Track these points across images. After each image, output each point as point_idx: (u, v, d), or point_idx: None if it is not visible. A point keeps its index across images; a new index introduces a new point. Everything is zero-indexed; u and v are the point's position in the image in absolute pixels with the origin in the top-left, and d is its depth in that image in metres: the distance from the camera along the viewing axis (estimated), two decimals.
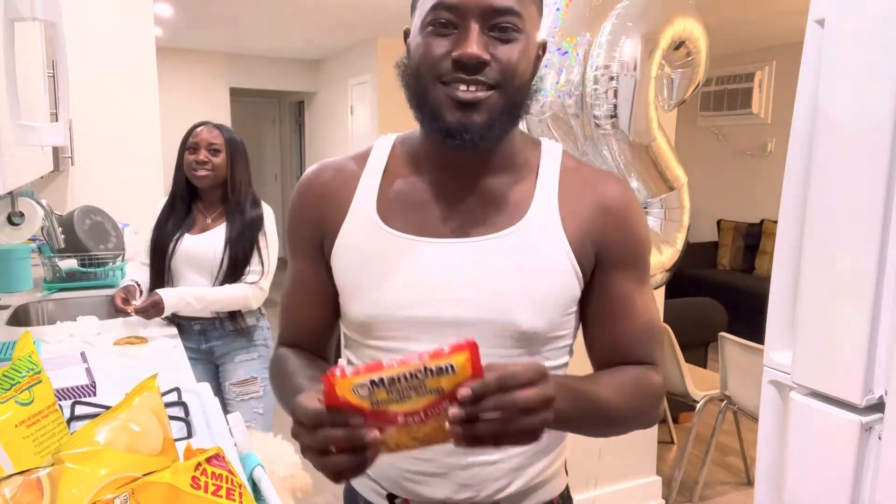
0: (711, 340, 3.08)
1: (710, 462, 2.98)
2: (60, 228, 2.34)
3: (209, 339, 2.19)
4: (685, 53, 1.86)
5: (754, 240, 5.43)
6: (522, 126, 2.01)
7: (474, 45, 0.76)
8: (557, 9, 1.88)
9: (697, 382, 2.94)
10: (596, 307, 0.87)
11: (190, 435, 1.21)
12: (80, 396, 1.41)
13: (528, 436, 0.64)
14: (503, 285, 0.82)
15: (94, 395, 1.43)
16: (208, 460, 0.72)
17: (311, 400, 0.64)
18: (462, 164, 0.85)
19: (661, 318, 0.94)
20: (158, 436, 0.82)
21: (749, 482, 3.02)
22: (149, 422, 0.82)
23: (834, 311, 1.07)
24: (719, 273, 5.55)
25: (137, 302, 2.09)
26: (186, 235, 2.16)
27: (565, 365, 0.91)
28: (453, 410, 0.61)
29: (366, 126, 6.00)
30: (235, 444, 1.18)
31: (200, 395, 1.41)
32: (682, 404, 3.22)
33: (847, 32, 1.04)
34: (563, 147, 0.92)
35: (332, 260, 0.89)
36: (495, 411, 0.61)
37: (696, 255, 5.29)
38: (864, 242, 1.02)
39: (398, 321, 0.84)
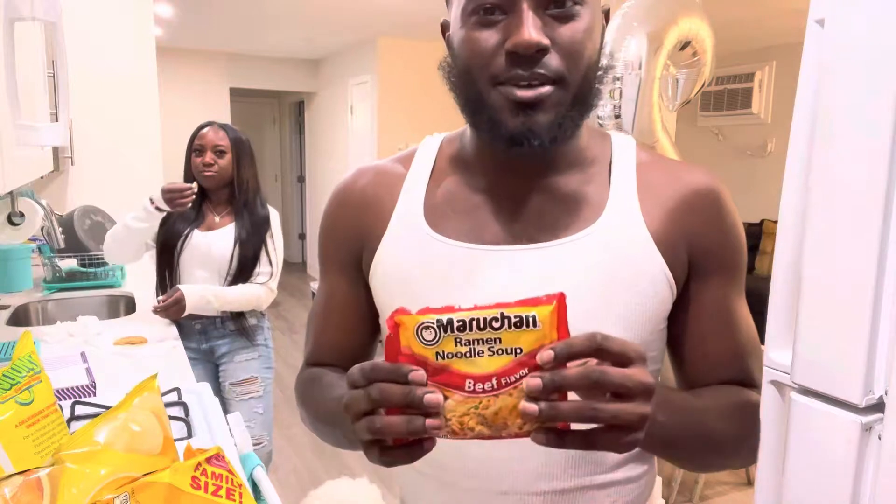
0: None
1: None
2: (60, 228, 2.34)
3: (209, 338, 2.20)
4: (691, 53, 1.86)
5: (754, 240, 5.43)
6: None
7: (531, 30, 0.63)
8: None
9: None
10: (689, 320, 0.74)
11: (190, 435, 1.21)
12: (80, 396, 1.41)
13: (622, 431, 0.51)
14: (579, 298, 0.66)
15: (94, 395, 1.43)
16: (208, 460, 0.72)
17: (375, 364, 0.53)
18: (522, 163, 0.73)
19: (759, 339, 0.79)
20: (158, 436, 0.82)
21: (749, 482, 3.02)
22: (149, 422, 0.82)
23: (834, 311, 1.07)
24: None
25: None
26: (196, 232, 2.16)
27: None
28: (530, 380, 0.49)
29: (366, 126, 6.00)
30: (235, 444, 1.18)
31: (200, 395, 1.41)
32: None
33: (847, 32, 1.04)
34: (636, 140, 0.81)
35: (372, 275, 0.78)
36: (583, 386, 0.49)
37: None
38: (864, 242, 1.02)
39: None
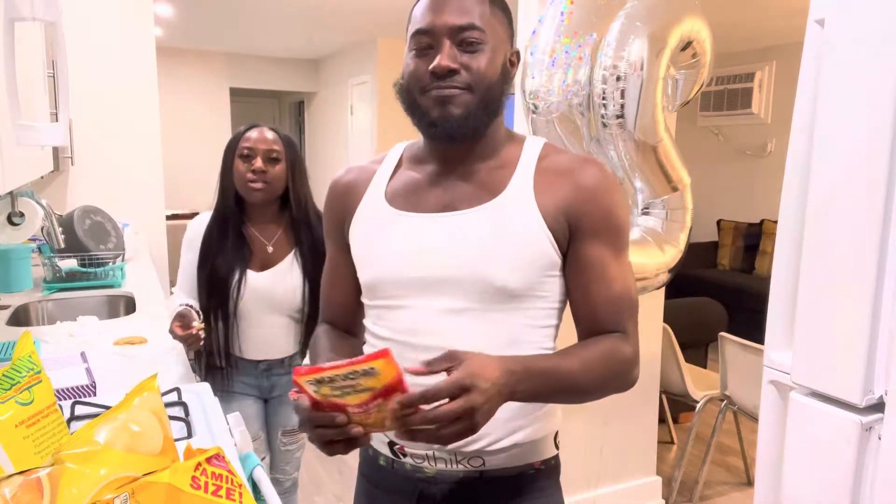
0: (711, 340, 3.08)
1: (710, 462, 2.98)
2: (60, 228, 2.34)
3: (272, 374, 1.90)
4: (691, 54, 1.86)
5: (754, 240, 5.43)
6: (527, 127, 2.01)
7: (445, 58, 0.94)
8: (561, 12, 1.88)
9: (697, 382, 2.94)
10: (573, 272, 1.00)
11: (190, 435, 1.21)
12: (80, 396, 1.41)
13: (459, 436, 0.78)
14: (481, 249, 0.96)
15: (94, 395, 1.43)
16: (208, 460, 0.72)
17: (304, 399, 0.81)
18: (452, 154, 1.03)
19: (636, 295, 1.02)
20: (158, 436, 0.82)
21: (749, 482, 3.02)
22: (149, 422, 0.82)
23: (834, 311, 1.07)
24: (719, 273, 5.55)
25: (197, 323, 1.69)
26: (249, 273, 1.81)
27: (553, 326, 1.03)
28: (392, 406, 0.76)
29: (365, 126, 5.99)
30: (235, 444, 1.18)
31: (200, 395, 1.41)
32: (682, 404, 3.22)
33: (847, 32, 1.04)
34: (546, 141, 1.07)
35: (350, 238, 1.09)
36: (424, 423, 0.76)
37: (696, 255, 5.29)
38: (864, 242, 1.02)
39: (397, 282, 1.00)
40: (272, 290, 1.80)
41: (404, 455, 1.04)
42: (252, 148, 1.77)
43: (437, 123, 0.97)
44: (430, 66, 0.95)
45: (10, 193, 2.10)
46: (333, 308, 1.16)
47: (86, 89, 3.10)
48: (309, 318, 1.85)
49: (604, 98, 1.80)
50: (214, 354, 1.85)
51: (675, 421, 3.52)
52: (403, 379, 0.76)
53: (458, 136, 0.98)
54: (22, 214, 2.16)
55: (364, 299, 1.09)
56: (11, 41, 1.21)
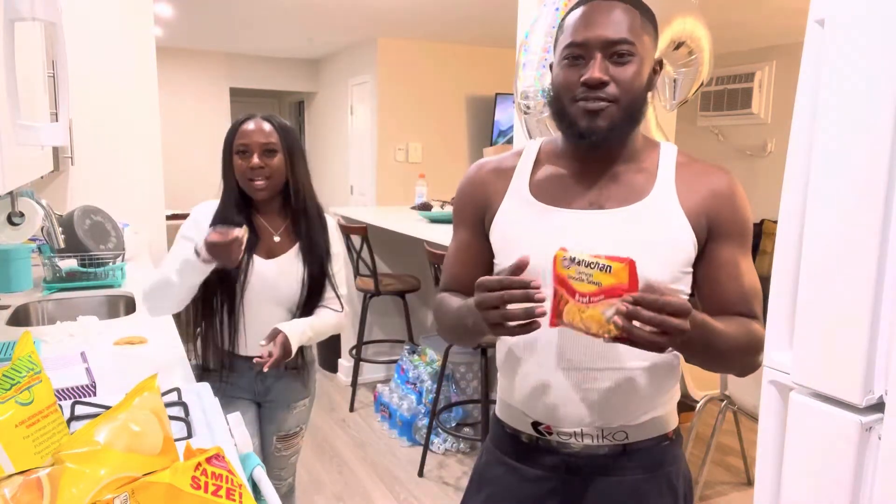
0: None
1: (710, 462, 2.98)
2: (60, 228, 2.34)
3: (266, 377, 1.84)
4: (687, 53, 1.86)
5: (754, 240, 5.43)
6: (521, 127, 2.01)
7: (596, 71, 1.01)
8: (556, 8, 1.88)
9: (697, 382, 2.94)
10: (708, 270, 1.09)
11: (190, 435, 1.21)
12: (80, 396, 1.41)
13: (662, 349, 0.87)
14: (630, 245, 1.02)
15: (94, 395, 1.43)
16: (208, 460, 0.72)
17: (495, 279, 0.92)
18: (594, 158, 1.10)
19: (761, 287, 1.14)
20: (158, 436, 0.82)
21: (749, 482, 3.02)
22: (149, 422, 0.82)
23: (834, 311, 1.07)
24: None
25: (238, 231, 1.56)
26: (256, 259, 1.75)
27: None
28: (620, 306, 0.84)
29: (365, 126, 6.00)
30: (235, 444, 1.18)
31: (200, 395, 1.41)
32: (682, 404, 3.20)
33: (847, 32, 1.04)
34: (678, 148, 1.15)
35: (492, 230, 1.16)
36: (650, 308, 0.84)
37: None
38: (864, 242, 1.02)
39: (544, 271, 1.02)
40: (277, 279, 1.76)
41: (550, 433, 1.12)
42: (247, 143, 1.71)
43: (585, 135, 1.04)
44: (583, 78, 1.01)
45: (10, 193, 2.10)
46: (457, 284, 1.22)
47: (86, 89, 3.10)
48: (303, 311, 1.80)
49: None
50: (212, 350, 1.81)
51: None
52: (637, 288, 0.84)
53: (603, 146, 1.06)
54: (22, 214, 2.16)
55: None
56: (11, 41, 1.21)
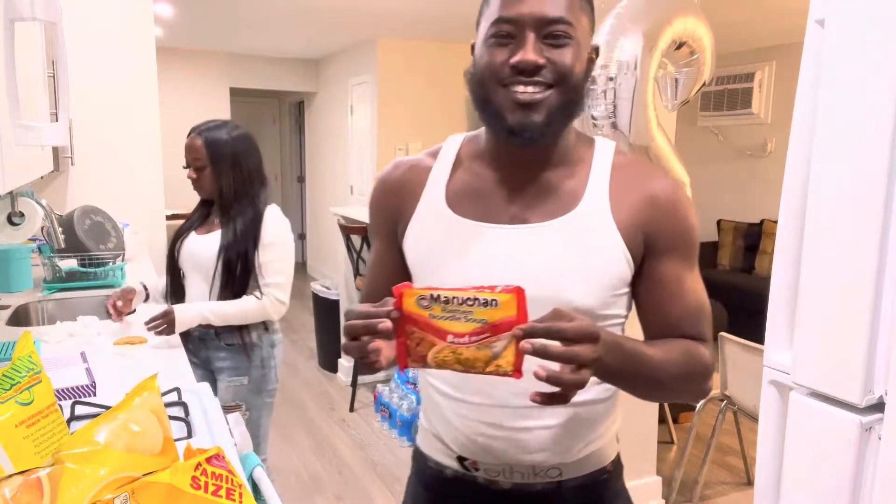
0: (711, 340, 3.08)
1: (710, 462, 2.98)
2: (60, 228, 2.34)
3: (207, 348, 2.09)
4: (688, 52, 1.86)
5: (754, 240, 5.43)
6: None
7: (531, 52, 0.85)
8: None
9: None
10: (648, 290, 0.95)
11: (190, 435, 1.21)
12: (80, 396, 1.41)
13: (576, 388, 0.74)
14: (557, 266, 0.91)
15: (94, 395, 1.43)
16: (208, 460, 0.72)
17: (362, 306, 0.79)
18: (522, 158, 0.95)
19: (709, 305, 1.01)
20: (158, 436, 0.82)
21: (749, 482, 3.02)
22: (149, 422, 0.82)
23: (834, 311, 1.07)
24: (719, 273, 5.55)
25: (135, 304, 2.02)
26: (192, 234, 2.09)
27: None
28: (517, 334, 0.72)
29: (366, 126, 5.99)
30: (235, 444, 1.18)
31: (200, 395, 1.41)
32: (682, 404, 3.22)
33: (847, 32, 1.04)
34: (615, 144, 1.00)
35: (405, 243, 1.01)
36: (547, 335, 0.72)
37: None
38: (864, 242, 1.02)
39: None
40: (198, 250, 2.05)
41: (476, 469, 1.00)
42: (186, 158, 2.04)
43: (516, 131, 0.88)
44: (513, 60, 0.86)
45: (10, 193, 2.10)
46: (375, 299, 1.08)
47: (86, 89, 3.10)
48: (221, 291, 2.01)
49: (594, 98, 1.80)
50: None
51: (675, 421, 3.52)
52: (526, 319, 0.73)
53: (537, 143, 0.91)
54: (22, 214, 2.16)
55: None
56: (11, 41, 1.21)
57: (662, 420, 3.26)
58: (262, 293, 2.02)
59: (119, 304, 2.01)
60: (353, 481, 3.05)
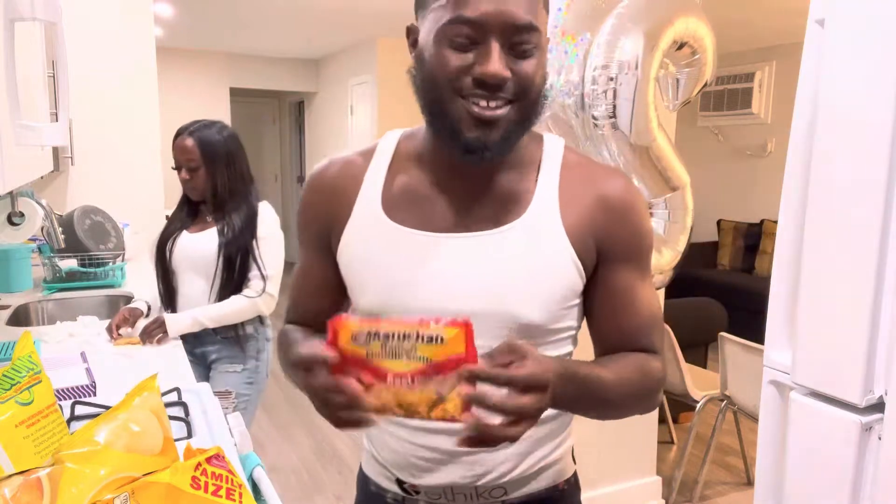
0: (711, 340, 3.08)
1: (710, 462, 2.98)
2: (60, 228, 2.34)
3: (203, 343, 2.12)
4: (690, 52, 1.86)
5: (754, 240, 5.42)
6: None
7: (497, 64, 0.76)
8: (559, 8, 1.88)
9: (697, 382, 2.94)
10: (599, 300, 0.89)
11: (190, 435, 1.21)
12: (80, 396, 1.41)
13: (518, 436, 0.69)
14: (503, 279, 0.84)
15: (94, 395, 1.43)
16: (208, 460, 0.72)
17: (310, 347, 0.72)
18: (467, 163, 0.86)
19: (662, 314, 0.96)
20: (158, 436, 0.82)
21: (749, 482, 3.02)
22: (149, 422, 0.82)
23: (834, 311, 1.07)
24: (719, 273, 5.55)
25: (137, 327, 1.99)
26: (184, 233, 2.09)
27: (569, 354, 0.93)
28: (464, 375, 0.65)
29: (366, 126, 5.99)
30: (235, 444, 1.18)
31: (200, 395, 1.41)
32: (682, 404, 3.22)
33: (847, 32, 1.04)
34: (565, 142, 0.93)
35: (339, 253, 0.92)
36: (496, 385, 0.67)
37: (696, 255, 5.28)
38: (864, 242, 1.02)
39: (401, 311, 0.84)
40: (194, 248, 2.04)
41: (417, 492, 0.94)
42: (177, 159, 2.02)
43: (474, 149, 0.80)
44: (479, 71, 0.77)
45: (10, 193, 2.10)
46: (305, 315, 1.00)
47: (86, 89, 3.10)
48: (222, 288, 2.02)
49: (595, 98, 1.80)
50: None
51: (675, 421, 3.52)
52: (477, 360, 0.66)
53: (494, 160, 0.83)
54: (22, 214, 2.16)
55: None
56: (11, 41, 1.21)
57: (662, 420, 3.26)
58: (252, 290, 2.05)
59: (121, 327, 1.98)
60: (353, 481, 3.04)
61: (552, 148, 0.91)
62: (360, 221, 0.90)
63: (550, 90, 0.96)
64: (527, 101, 0.80)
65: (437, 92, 0.80)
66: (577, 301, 0.89)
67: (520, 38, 0.77)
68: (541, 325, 0.85)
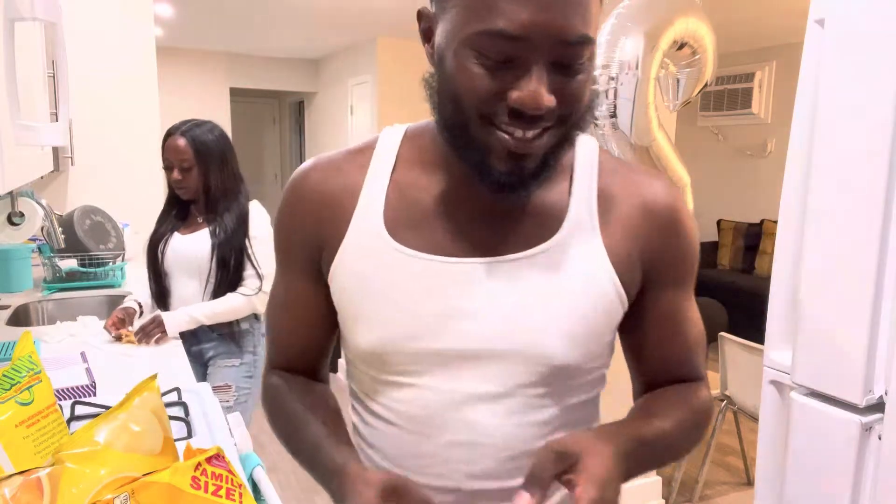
0: (711, 340, 3.08)
1: (710, 462, 2.98)
2: (60, 228, 2.34)
3: (199, 341, 2.13)
4: (690, 53, 1.86)
5: (754, 240, 5.43)
6: None
7: (541, 91, 0.60)
8: None
9: None
10: (644, 328, 0.77)
11: (190, 435, 1.21)
12: (80, 396, 1.41)
13: None
14: (533, 314, 0.70)
15: (94, 395, 1.43)
16: (208, 460, 0.72)
17: (362, 486, 0.62)
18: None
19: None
20: (158, 436, 0.82)
21: (749, 482, 3.02)
22: (149, 422, 0.82)
23: (834, 310, 1.07)
24: (719, 273, 5.55)
25: (134, 326, 1.97)
26: (176, 235, 2.10)
27: (597, 396, 0.81)
28: None
29: (366, 126, 6.00)
30: (235, 444, 1.18)
31: (200, 395, 1.41)
32: None
33: (847, 32, 1.04)
34: (598, 144, 0.79)
35: (332, 279, 0.76)
36: None
37: None
38: (863, 242, 1.02)
39: (411, 354, 0.71)
40: (187, 250, 2.05)
41: None
42: (168, 159, 2.02)
43: (505, 185, 0.66)
44: (516, 98, 0.61)
45: (10, 193, 2.10)
46: (291, 355, 0.84)
47: (86, 89, 3.10)
48: (216, 289, 2.03)
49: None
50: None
51: None
52: None
53: (526, 193, 0.69)
54: (22, 214, 2.16)
55: (356, 365, 0.79)
56: (11, 41, 1.21)
57: None
58: (248, 288, 2.06)
59: (118, 319, 1.98)
60: None
61: (586, 151, 0.75)
62: (358, 241, 0.73)
63: (598, 98, 0.80)
64: (571, 121, 0.65)
65: (460, 116, 0.64)
66: (613, 336, 0.77)
67: (570, 53, 0.61)
68: (575, 366, 0.72)
